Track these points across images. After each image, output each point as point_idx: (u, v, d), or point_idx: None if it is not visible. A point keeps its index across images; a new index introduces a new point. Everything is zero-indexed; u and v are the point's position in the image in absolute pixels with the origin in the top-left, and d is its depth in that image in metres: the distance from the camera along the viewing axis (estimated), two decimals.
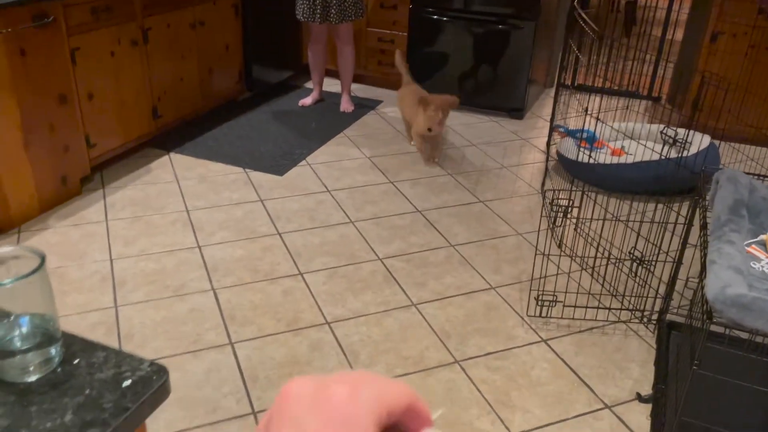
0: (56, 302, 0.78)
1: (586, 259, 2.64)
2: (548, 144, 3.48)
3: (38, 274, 0.72)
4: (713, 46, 3.73)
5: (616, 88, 4.17)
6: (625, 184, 3.03)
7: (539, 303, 2.33)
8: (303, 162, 3.46)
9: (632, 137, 3.00)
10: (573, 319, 2.32)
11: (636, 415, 1.93)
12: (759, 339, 1.54)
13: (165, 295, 2.36)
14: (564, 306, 2.33)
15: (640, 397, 1.99)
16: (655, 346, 2.21)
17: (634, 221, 2.63)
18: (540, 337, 2.24)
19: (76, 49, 2.83)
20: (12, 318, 0.74)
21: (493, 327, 2.28)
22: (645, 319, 2.33)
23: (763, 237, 1.75)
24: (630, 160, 3.04)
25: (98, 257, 2.57)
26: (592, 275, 2.56)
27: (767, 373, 1.93)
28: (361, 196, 3.13)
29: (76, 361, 0.77)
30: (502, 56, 4.06)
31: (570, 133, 3.30)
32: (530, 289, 2.43)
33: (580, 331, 2.27)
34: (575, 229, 2.78)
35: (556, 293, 2.37)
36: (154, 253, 2.62)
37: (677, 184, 2.84)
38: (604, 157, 3.15)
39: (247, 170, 3.34)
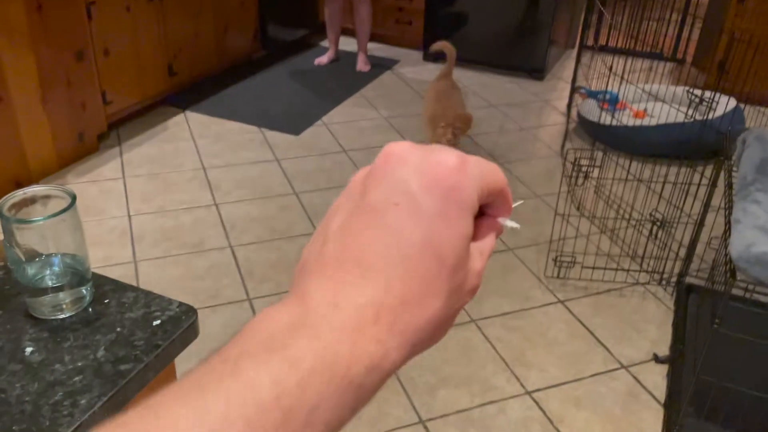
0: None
1: (605, 221, 2.61)
2: (569, 106, 3.42)
3: (69, 213, 0.72)
4: (741, 6, 3.62)
5: (640, 49, 4.08)
6: (647, 147, 2.98)
7: (557, 264, 2.32)
8: (319, 122, 3.44)
9: (656, 99, 2.95)
10: (591, 280, 2.31)
11: (652, 376, 1.93)
12: None
13: (183, 251, 2.38)
14: (582, 267, 2.32)
15: (657, 358, 1.99)
16: (673, 308, 2.20)
17: (655, 182, 2.60)
18: (557, 298, 2.23)
19: (91, 3, 2.80)
20: (44, 257, 0.74)
21: (510, 288, 2.28)
22: (664, 282, 2.31)
23: None
24: (653, 122, 2.99)
25: (116, 213, 2.58)
26: (611, 237, 2.54)
27: None
28: (377, 156, 3.11)
29: (106, 301, 0.77)
30: (523, 15, 3.97)
31: (591, 95, 3.24)
32: (548, 251, 2.42)
33: (597, 293, 2.27)
34: (595, 191, 2.75)
35: (574, 254, 2.35)
36: (172, 210, 2.63)
37: (701, 147, 2.78)
38: (626, 119, 3.10)
39: (263, 129, 3.32)
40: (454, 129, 2.68)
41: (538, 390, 1.87)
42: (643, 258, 2.41)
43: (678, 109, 2.63)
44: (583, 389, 1.88)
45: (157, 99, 3.38)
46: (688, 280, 2.27)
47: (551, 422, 1.77)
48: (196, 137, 3.21)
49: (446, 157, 0.30)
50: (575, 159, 2.31)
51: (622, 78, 2.64)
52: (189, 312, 0.76)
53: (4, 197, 0.71)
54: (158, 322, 0.74)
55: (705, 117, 2.25)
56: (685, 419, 1.69)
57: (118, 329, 0.73)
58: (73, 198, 0.73)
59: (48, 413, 0.63)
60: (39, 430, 0.61)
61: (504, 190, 0.33)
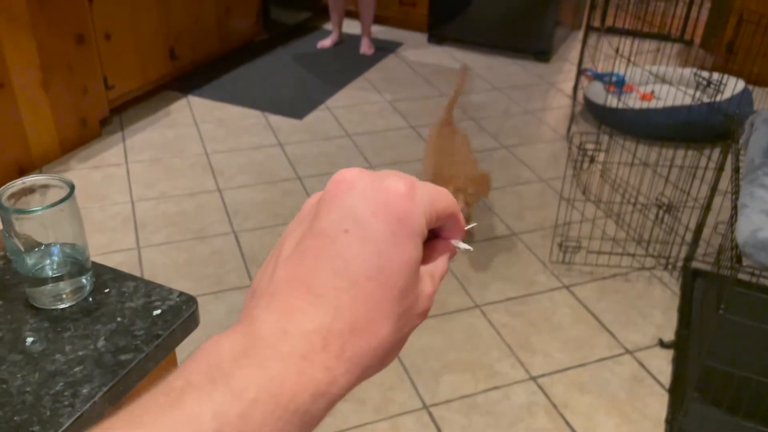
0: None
1: (611, 205, 2.60)
2: (575, 88, 3.39)
3: (68, 203, 0.71)
4: None
5: (647, 30, 4.02)
6: (654, 129, 2.95)
7: (562, 249, 2.31)
8: (322, 106, 3.41)
9: (663, 81, 2.91)
10: (596, 265, 2.30)
11: (658, 361, 1.93)
12: None
13: (186, 237, 2.37)
14: (587, 252, 2.31)
15: (662, 343, 1.98)
16: (678, 293, 2.19)
17: (662, 165, 2.58)
18: (562, 283, 2.23)
19: None
20: (43, 247, 0.73)
21: (514, 273, 2.27)
22: (669, 266, 2.30)
23: None
24: (660, 105, 2.95)
25: (119, 199, 2.58)
26: (616, 222, 2.52)
27: None
28: (381, 141, 3.09)
29: (106, 290, 0.77)
30: None
31: (598, 77, 3.21)
32: (553, 236, 2.41)
33: (603, 278, 2.26)
34: (601, 176, 2.73)
35: (579, 239, 2.34)
36: (175, 195, 2.62)
37: (708, 130, 2.76)
38: (632, 102, 3.07)
39: (266, 114, 3.30)
40: (467, 195, 2.07)
41: (542, 375, 1.87)
42: (648, 242, 2.39)
43: (685, 92, 2.60)
44: (588, 374, 1.88)
45: (159, 83, 3.36)
46: (694, 264, 2.26)
47: (556, 407, 1.77)
48: (198, 122, 3.20)
49: (394, 183, 0.31)
50: (581, 143, 2.29)
51: (628, 60, 2.60)
52: (189, 301, 0.75)
53: (3, 187, 0.70)
54: (158, 311, 0.74)
55: (712, 99, 2.23)
56: (690, 405, 1.69)
57: (119, 319, 0.72)
58: (72, 187, 0.72)
59: (49, 403, 0.63)
60: (40, 421, 0.61)
61: (454, 213, 0.34)
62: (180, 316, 0.73)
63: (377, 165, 2.88)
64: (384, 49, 4.17)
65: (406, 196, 0.31)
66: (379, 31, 4.44)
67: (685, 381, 1.80)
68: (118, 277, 0.79)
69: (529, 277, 2.25)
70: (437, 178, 2.18)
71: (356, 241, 0.29)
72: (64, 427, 0.60)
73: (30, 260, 0.73)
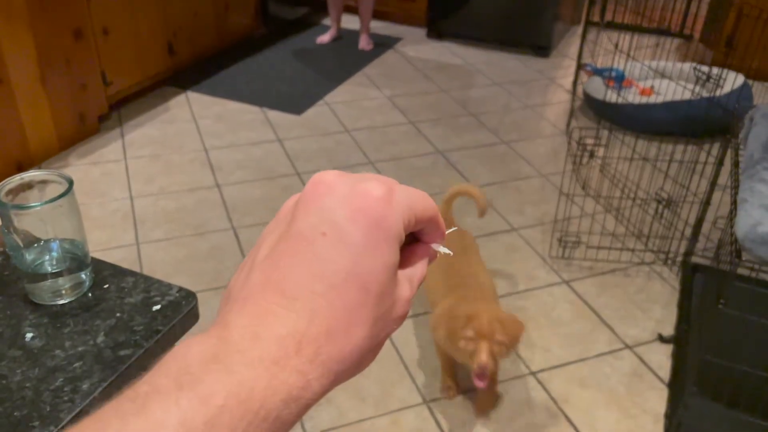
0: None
1: (610, 200, 2.60)
2: (575, 83, 3.38)
3: (66, 199, 0.71)
4: None
5: (646, 25, 4.01)
6: (653, 124, 2.95)
7: (562, 244, 2.30)
8: (321, 101, 3.41)
9: (663, 76, 2.91)
10: (596, 260, 2.30)
11: (657, 356, 1.93)
12: None
13: (186, 234, 2.37)
14: (587, 247, 2.31)
15: (661, 338, 1.98)
16: (678, 287, 2.19)
17: (661, 160, 2.57)
18: (562, 278, 2.23)
19: None
20: (42, 243, 0.73)
21: (514, 268, 2.27)
22: (669, 261, 2.30)
23: None
24: (659, 99, 2.95)
25: (118, 195, 2.58)
26: (616, 217, 2.52)
27: None
28: (380, 136, 3.09)
29: (106, 286, 0.77)
30: None
31: (597, 72, 3.20)
32: (553, 231, 2.41)
33: (602, 273, 2.26)
34: (600, 171, 2.73)
35: (579, 234, 2.34)
36: (174, 191, 2.62)
37: (708, 125, 2.75)
38: (632, 96, 3.06)
39: (265, 109, 3.29)
40: (493, 345, 1.52)
41: (542, 370, 1.87)
42: (648, 237, 2.39)
43: (685, 87, 2.60)
44: (588, 369, 1.88)
45: (158, 79, 3.35)
46: (694, 259, 2.26)
47: (555, 402, 1.77)
48: (197, 118, 3.19)
49: (373, 187, 0.31)
50: (580, 137, 2.29)
51: (628, 55, 2.60)
52: (189, 297, 0.75)
53: (1, 183, 0.70)
54: (158, 307, 0.73)
55: (712, 94, 2.22)
56: (690, 399, 1.69)
57: (118, 314, 0.72)
58: (71, 183, 0.72)
59: (49, 399, 0.63)
60: (40, 416, 0.61)
61: (434, 217, 0.34)
62: (180, 312, 0.73)
63: (377, 161, 2.88)
64: (383, 44, 4.16)
65: (384, 199, 0.30)
66: (378, 26, 4.43)
67: (684, 375, 1.80)
68: (118, 272, 0.79)
69: (529, 272, 2.25)
70: (449, 316, 1.61)
71: (333, 245, 0.29)
72: (64, 422, 0.60)
73: (29, 256, 0.72)
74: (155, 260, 2.23)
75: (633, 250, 2.34)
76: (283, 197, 2.59)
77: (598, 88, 3.13)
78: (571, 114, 3.30)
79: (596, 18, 3.53)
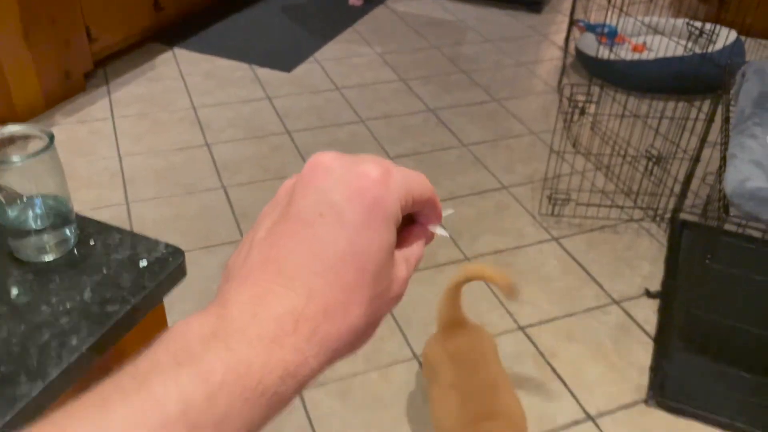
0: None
1: (600, 158, 2.59)
2: (567, 40, 3.34)
3: (48, 154, 0.70)
4: None
5: None
6: (645, 81, 2.93)
7: (551, 201, 2.31)
8: (311, 58, 3.35)
9: (656, 32, 2.87)
10: (585, 217, 2.31)
11: (643, 310, 1.96)
12: None
13: (176, 193, 2.36)
14: (576, 204, 2.32)
15: (648, 293, 2.01)
16: (666, 244, 2.21)
17: (652, 117, 2.57)
18: (551, 235, 2.24)
19: None
20: (24, 199, 0.72)
21: (504, 226, 2.28)
22: (658, 218, 2.32)
23: None
24: (652, 56, 2.92)
25: (106, 154, 2.55)
26: (606, 174, 2.52)
27: None
28: (371, 94, 3.05)
29: (91, 243, 0.76)
30: None
31: (590, 28, 3.16)
32: (543, 189, 2.41)
33: (591, 230, 2.27)
34: (591, 128, 2.72)
35: (569, 192, 2.35)
36: (163, 150, 2.59)
37: (699, 81, 2.73)
38: (624, 53, 3.03)
39: (254, 66, 3.24)
40: None
41: (530, 325, 1.90)
42: (637, 194, 2.40)
43: (678, 42, 2.57)
44: (576, 324, 1.91)
45: (144, 36, 3.28)
46: (682, 216, 2.28)
47: (543, 356, 1.81)
48: (185, 75, 3.14)
49: (370, 168, 0.31)
50: (571, 94, 2.27)
51: (621, 10, 2.56)
52: (176, 253, 0.75)
53: None
54: (145, 263, 0.73)
55: (705, 50, 2.20)
56: (675, 353, 1.73)
57: (104, 271, 0.72)
58: (51, 138, 0.71)
59: (36, 354, 0.63)
60: (27, 372, 0.61)
61: (431, 198, 0.34)
62: (167, 268, 0.73)
63: (368, 118, 2.85)
64: (372, 0, 4.07)
65: (381, 181, 0.31)
66: None
67: (670, 330, 1.83)
68: (104, 229, 0.78)
69: (519, 229, 2.26)
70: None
71: (331, 226, 0.30)
72: (52, 377, 0.61)
73: (12, 212, 0.72)
74: (145, 219, 2.22)
75: (622, 207, 2.36)
76: (273, 156, 2.57)
77: (590, 44, 3.10)
78: (563, 71, 3.26)
79: None
